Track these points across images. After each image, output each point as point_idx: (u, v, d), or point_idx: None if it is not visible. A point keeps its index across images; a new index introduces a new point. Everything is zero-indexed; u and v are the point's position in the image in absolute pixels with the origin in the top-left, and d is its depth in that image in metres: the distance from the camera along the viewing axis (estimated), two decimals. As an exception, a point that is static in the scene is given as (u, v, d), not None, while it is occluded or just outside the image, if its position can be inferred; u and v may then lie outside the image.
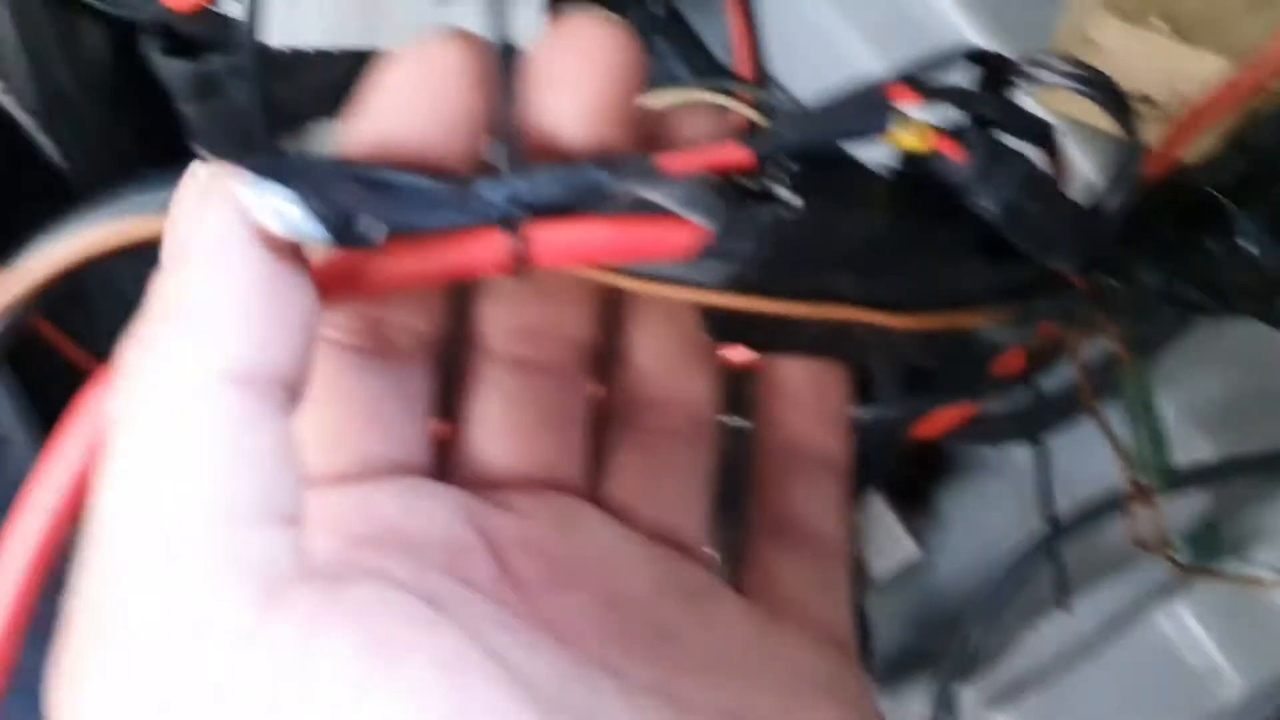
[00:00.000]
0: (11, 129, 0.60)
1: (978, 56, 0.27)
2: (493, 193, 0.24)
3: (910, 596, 0.64)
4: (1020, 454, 0.60)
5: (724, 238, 0.25)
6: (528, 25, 0.53)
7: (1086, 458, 0.50)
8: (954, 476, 0.65)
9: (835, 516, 0.31)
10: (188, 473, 0.20)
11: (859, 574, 0.63)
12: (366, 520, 0.26)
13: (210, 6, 0.50)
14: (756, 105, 0.55)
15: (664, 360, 0.30)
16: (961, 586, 0.63)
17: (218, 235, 0.21)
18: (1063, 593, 0.37)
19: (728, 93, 0.66)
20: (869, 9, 0.55)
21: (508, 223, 0.24)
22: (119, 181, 0.60)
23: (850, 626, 0.30)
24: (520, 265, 0.24)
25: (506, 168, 0.24)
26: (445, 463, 0.29)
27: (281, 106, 0.54)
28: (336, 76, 0.55)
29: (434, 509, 0.26)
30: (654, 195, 0.24)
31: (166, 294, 0.21)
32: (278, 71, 0.52)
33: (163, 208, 0.23)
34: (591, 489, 0.29)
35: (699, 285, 0.26)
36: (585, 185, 0.24)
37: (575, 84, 0.25)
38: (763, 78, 0.64)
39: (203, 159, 0.58)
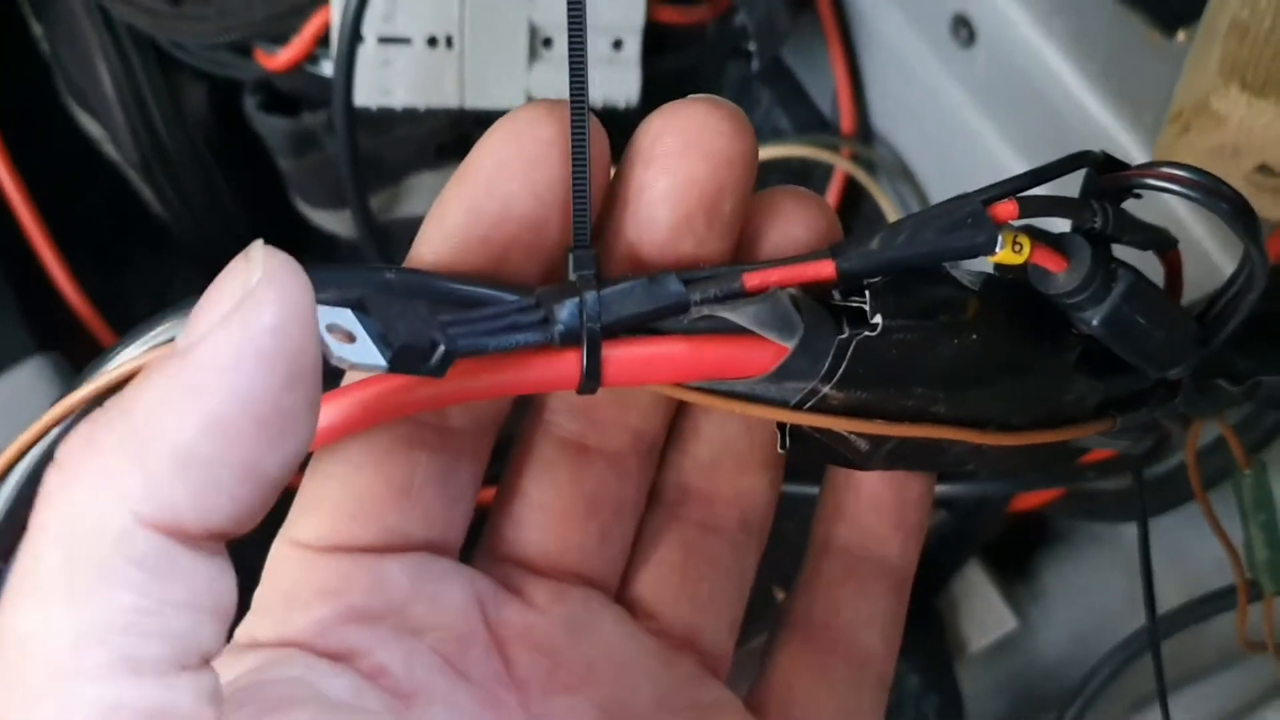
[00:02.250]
0: (118, 178, 0.61)
1: (1091, 162, 0.26)
2: (567, 312, 0.23)
3: (1006, 670, 0.62)
4: (1130, 527, 0.58)
5: (801, 357, 0.23)
6: (625, 83, 0.52)
7: (1200, 536, 0.48)
8: (1058, 547, 0.62)
9: (884, 634, 0.29)
10: (84, 619, 0.18)
11: (951, 644, 0.61)
12: (369, 595, 0.24)
13: (306, 65, 0.50)
14: (858, 161, 0.54)
15: (725, 454, 0.28)
16: (1061, 663, 0.60)
17: (228, 356, 0.18)
18: (1164, 711, 0.35)
19: (831, 148, 0.65)
20: (977, 66, 0.53)
21: (580, 341, 0.23)
22: (228, 241, 0.61)
23: None
24: (590, 385, 0.23)
25: (582, 281, 0.23)
26: (479, 531, 0.27)
27: (376, 161, 0.54)
28: (429, 132, 0.55)
29: (444, 592, 0.25)
30: (732, 315, 0.23)
31: (136, 394, 0.18)
32: (372, 127, 0.53)
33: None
34: (621, 580, 0.28)
35: (776, 403, 0.25)
36: (663, 300, 0.23)
37: (672, 166, 0.24)
38: (867, 132, 0.62)
39: (303, 213, 0.57)
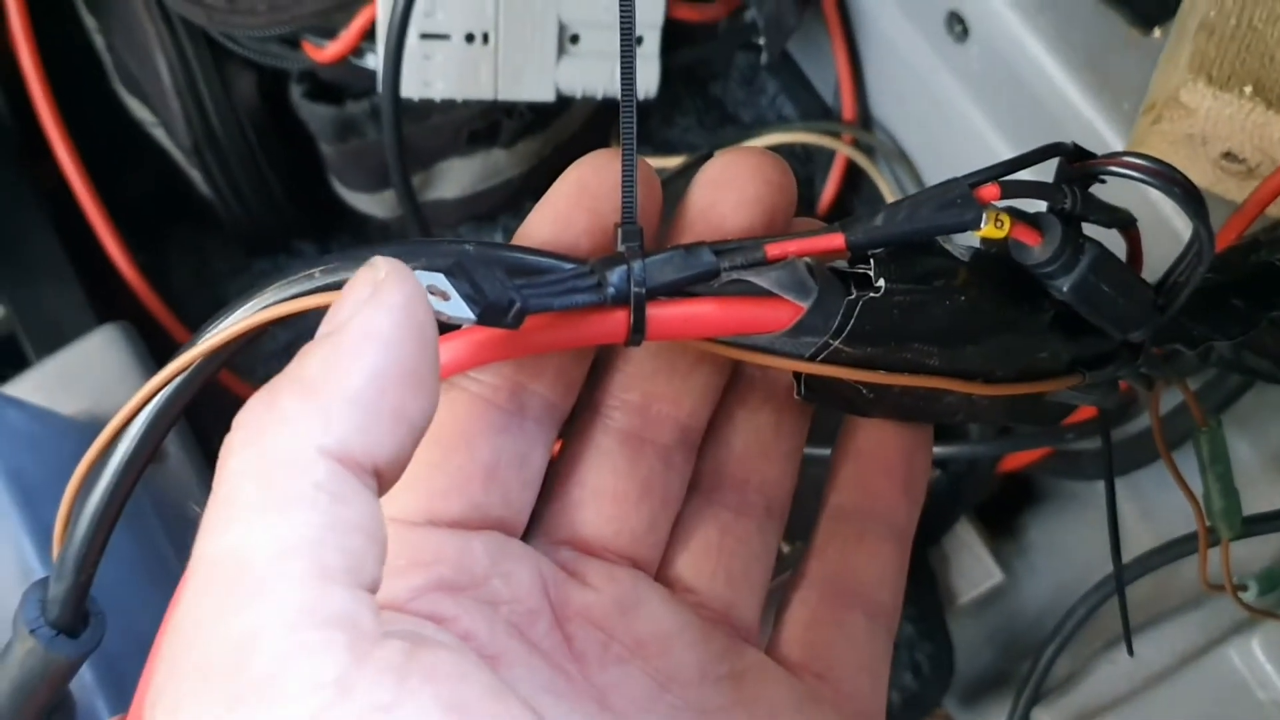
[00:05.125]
0: (164, 160, 0.65)
1: (1063, 151, 0.30)
2: (617, 276, 0.27)
3: (993, 620, 0.66)
4: (1108, 487, 0.62)
5: (815, 315, 0.28)
6: (646, 76, 0.56)
7: (1168, 491, 0.52)
8: (1042, 506, 0.66)
9: (893, 590, 0.32)
10: (283, 533, 0.21)
11: (942, 596, 0.65)
12: (456, 569, 0.27)
13: (351, 58, 0.54)
14: (858, 146, 0.58)
15: (756, 443, 0.32)
16: (1043, 613, 0.64)
17: (374, 328, 0.22)
18: (1126, 637, 0.39)
19: (833, 134, 0.69)
20: (969, 59, 0.57)
21: (628, 301, 0.27)
22: (269, 221, 0.65)
23: (883, 710, 0.32)
24: (636, 339, 0.27)
25: (630, 251, 0.28)
26: (542, 515, 0.30)
27: (411, 147, 0.58)
28: (461, 121, 0.58)
29: (516, 570, 0.28)
30: (756, 279, 0.27)
31: (305, 363, 0.22)
32: (409, 116, 0.56)
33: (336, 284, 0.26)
34: (661, 560, 0.31)
35: (794, 355, 0.29)
36: (697, 267, 0.27)
37: (741, 187, 0.29)
38: (866, 119, 0.66)
39: (340, 195, 0.61)
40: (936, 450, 0.57)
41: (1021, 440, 0.55)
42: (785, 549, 0.58)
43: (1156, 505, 0.55)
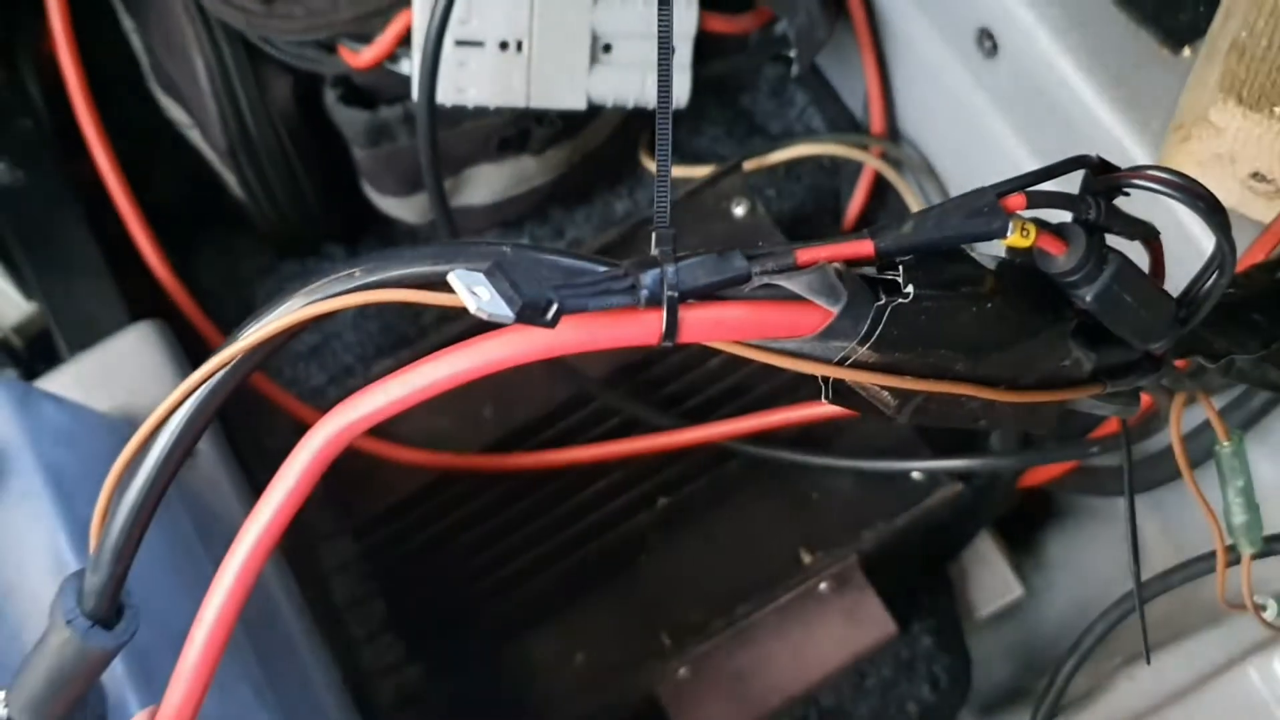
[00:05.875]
0: (199, 161, 0.66)
1: (1088, 164, 0.30)
2: (650, 279, 0.27)
3: (1012, 635, 0.66)
4: (1129, 504, 0.62)
5: (844, 320, 0.28)
6: (677, 86, 0.57)
7: (1192, 508, 0.52)
8: (1063, 522, 0.66)
9: None
10: None
11: (961, 610, 0.65)
12: None
13: (386, 64, 0.55)
14: (886, 158, 0.58)
15: None
16: (1063, 628, 0.64)
17: None
18: (1145, 648, 0.40)
19: (861, 146, 0.69)
20: (999, 75, 0.57)
21: (662, 303, 0.27)
22: (300, 223, 0.65)
23: None
24: (670, 340, 0.28)
25: (663, 255, 0.28)
26: None
27: (443, 153, 0.59)
28: (492, 127, 0.59)
29: None
30: (787, 283, 0.28)
31: None
32: (441, 122, 0.57)
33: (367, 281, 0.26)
34: None
35: (822, 360, 0.29)
36: (729, 271, 0.28)
37: None
38: (894, 132, 0.67)
39: (371, 199, 0.61)
40: (959, 464, 0.57)
41: (1043, 454, 0.55)
42: (807, 559, 0.59)
43: (1178, 522, 0.55)
